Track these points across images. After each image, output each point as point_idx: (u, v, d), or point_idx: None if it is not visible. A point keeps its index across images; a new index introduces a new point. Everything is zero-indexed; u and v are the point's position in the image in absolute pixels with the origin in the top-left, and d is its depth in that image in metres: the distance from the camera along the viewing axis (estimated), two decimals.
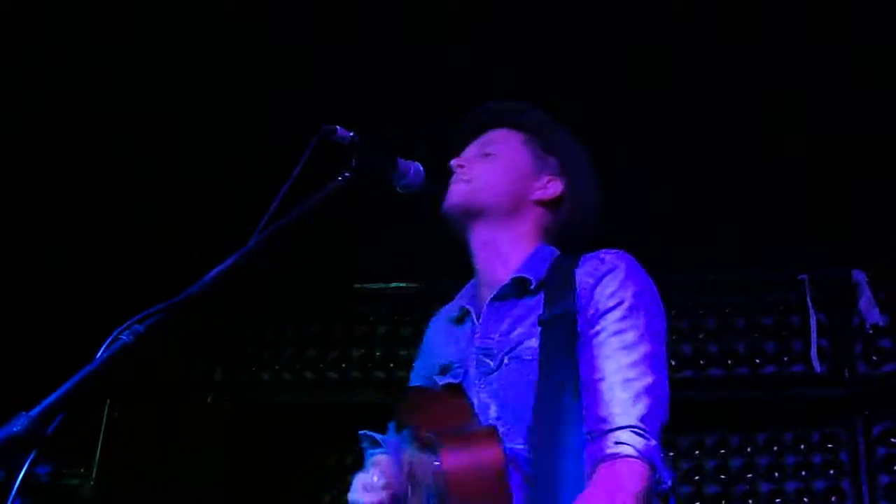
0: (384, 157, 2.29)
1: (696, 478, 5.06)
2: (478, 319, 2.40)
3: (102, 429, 5.99)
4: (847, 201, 4.69)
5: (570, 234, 2.51)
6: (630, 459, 2.00)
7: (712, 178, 4.66)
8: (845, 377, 4.96)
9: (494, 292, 2.37)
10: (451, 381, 2.36)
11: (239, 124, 4.38)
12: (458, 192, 2.42)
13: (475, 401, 2.28)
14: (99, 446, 5.97)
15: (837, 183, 4.61)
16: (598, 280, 2.24)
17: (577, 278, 2.27)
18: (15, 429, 1.44)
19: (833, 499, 4.93)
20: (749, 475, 5.04)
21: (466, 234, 2.47)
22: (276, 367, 5.62)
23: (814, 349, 4.95)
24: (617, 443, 2.02)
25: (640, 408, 2.06)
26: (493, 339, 2.32)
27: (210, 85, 4.21)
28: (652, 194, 4.67)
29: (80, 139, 4.56)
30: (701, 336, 5.14)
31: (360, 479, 2.35)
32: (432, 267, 4.20)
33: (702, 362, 5.11)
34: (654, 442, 2.05)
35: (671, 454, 5.11)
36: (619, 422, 2.04)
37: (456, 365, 2.38)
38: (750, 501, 4.99)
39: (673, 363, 5.11)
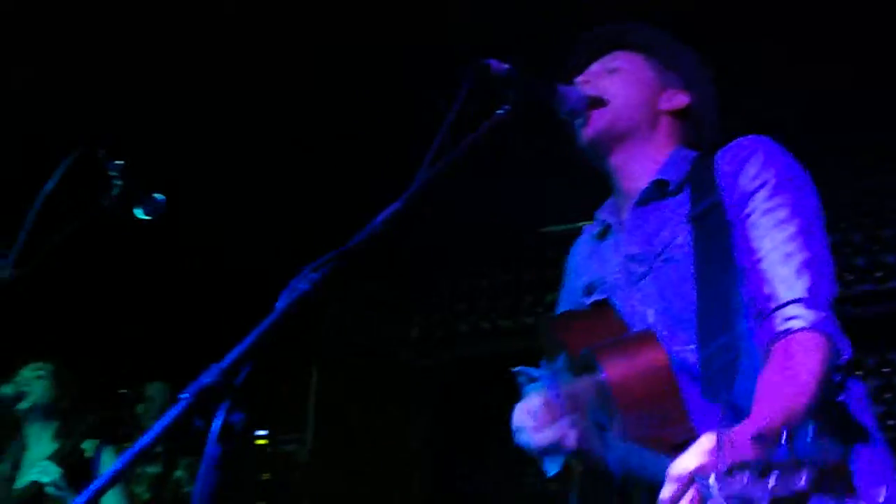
0: (543, 86, 2.26)
1: (887, 395, 4.82)
2: (621, 230, 2.37)
3: (312, 395, 6.22)
4: None
5: (701, 138, 2.47)
6: (803, 332, 1.93)
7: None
8: None
9: (635, 199, 2.35)
10: (597, 298, 2.34)
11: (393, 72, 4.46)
12: (597, 120, 2.38)
13: (627, 310, 2.25)
14: (310, 412, 6.21)
15: None
16: (740, 165, 2.19)
17: (718, 169, 2.23)
18: (207, 380, 1.51)
19: None
20: None
21: (606, 155, 2.43)
22: (472, 318, 5.67)
23: None
24: (786, 318, 1.95)
25: (805, 280, 1.99)
26: (639, 244, 2.29)
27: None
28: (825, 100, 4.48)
29: None
30: (876, 248, 4.87)
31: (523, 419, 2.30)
32: None
33: (878, 275, 4.84)
34: (824, 312, 1.96)
35: (859, 373, 4.88)
36: (785, 297, 1.98)
37: (600, 281, 2.36)
38: None
39: (850, 278, 4.86)
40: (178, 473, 5.10)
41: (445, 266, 5.75)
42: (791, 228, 2.06)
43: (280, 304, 1.63)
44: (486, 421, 6.06)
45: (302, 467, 6.31)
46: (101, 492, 1.50)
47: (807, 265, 2.01)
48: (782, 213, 2.09)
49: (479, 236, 5.50)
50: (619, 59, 2.50)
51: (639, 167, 2.40)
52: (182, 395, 1.51)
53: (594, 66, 2.50)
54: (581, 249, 2.60)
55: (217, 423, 1.51)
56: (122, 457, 1.53)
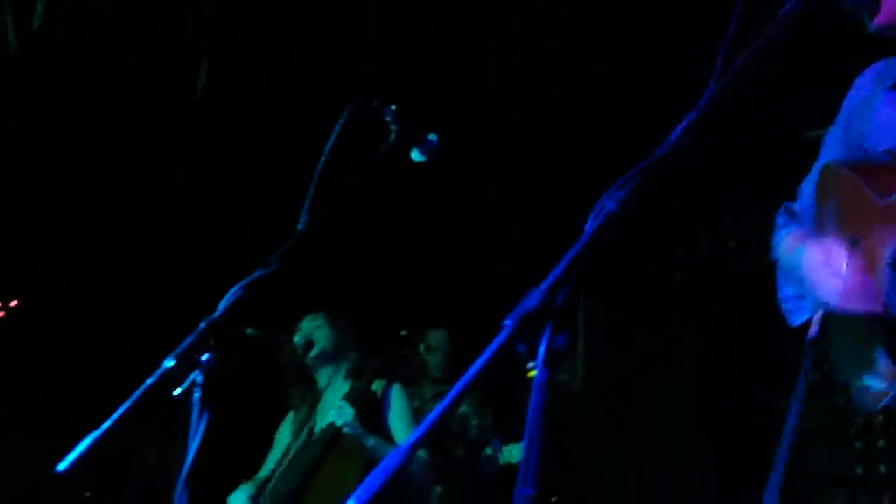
0: None
1: None
2: None
3: (580, 323, 6.23)
4: None
5: None
6: None
7: None
8: None
9: None
10: None
11: None
12: (886, 12, 2.21)
13: None
14: (580, 341, 6.23)
15: None
16: None
17: None
18: (530, 303, 1.52)
19: None
20: None
21: None
22: (740, 233, 5.53)
23: None
24: None
25: None
26: None
27: None
28: None
29: None
30: None
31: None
32: None
33: None
34: None
35: None
36: None
37: None
38: None
39: None
40: (464, 409, 5.23)
41: (708, 182, 5.60)
42: None
43: (589, 226, 1.62)
44: (755, 336, 5.91)
45: (575, 397, 6.36)
46: (437, 425, 1.54)
47: None
48: None
49: (741, 147, 5.33)
50: None
51: None
52: (505, 322, 1.53)
53: None
54: (869, 90, 2.45)
55: (542, 348, 1.52)
56: (451, 390, 1.56)
